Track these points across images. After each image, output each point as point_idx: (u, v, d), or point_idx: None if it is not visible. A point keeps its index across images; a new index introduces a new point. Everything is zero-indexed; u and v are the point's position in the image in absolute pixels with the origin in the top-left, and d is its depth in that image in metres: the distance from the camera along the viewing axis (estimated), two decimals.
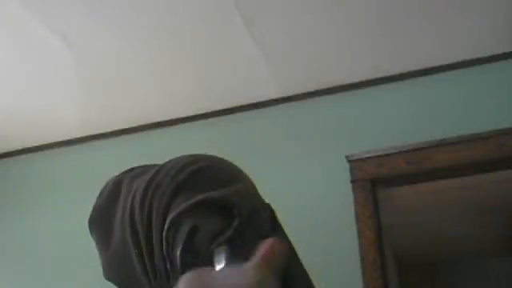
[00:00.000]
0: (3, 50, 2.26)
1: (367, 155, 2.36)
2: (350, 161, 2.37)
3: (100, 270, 0.76)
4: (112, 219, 0.76)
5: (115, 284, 0.76)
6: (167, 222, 0.68)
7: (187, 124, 2.74)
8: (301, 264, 0.75)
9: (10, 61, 2.33)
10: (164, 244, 0.68)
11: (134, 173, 0.80)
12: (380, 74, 2.48)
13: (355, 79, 2.51)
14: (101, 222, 0.77)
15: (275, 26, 2.18)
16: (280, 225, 0.75)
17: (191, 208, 0.69)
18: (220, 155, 0.81)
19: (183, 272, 0.66)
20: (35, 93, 2.54)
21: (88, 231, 0.79)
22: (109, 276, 0.76)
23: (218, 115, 2.70)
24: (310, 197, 2.41)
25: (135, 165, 0.84)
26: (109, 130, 2.83)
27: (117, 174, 0.83)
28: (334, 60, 2.40)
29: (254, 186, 0.78)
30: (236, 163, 0.81)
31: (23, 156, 2.98)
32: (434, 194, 3.78)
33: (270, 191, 0.91)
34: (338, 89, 2.54)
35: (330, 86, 2.55)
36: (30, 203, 2.87)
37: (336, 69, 2.45)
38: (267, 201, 0.76)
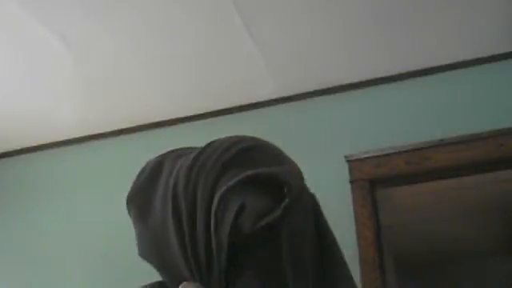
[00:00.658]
0: (2, 49, 2.25)
1: (366, 155, 2.35)
2: (348, 161, 2.37)
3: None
4: (152, 197, 0.74)
5: (148, 262, 0.74)
6: (216, 198, 0.66)
7: (186, 124, 2.73)
8: (345, 263, 0.75)
9: (8, 60, 2.33)
10: (213, 221, 0.66)
11: (176, 153, 0.78)
12: (380, 74, 2.48)
13: (355, 79, 2.51)
14: (140, 199, 0.75)
15: (274, 25, 2.18)
16: (324, 217, 0.74)
17: (240, 184, 0.67)
18: None
19: (230, 251, 0.64)
20: (34, 93, 2.53)
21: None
22: (143, 253, 0.74)
23: (216, 115, 2.69)
24: None
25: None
26: (108, 129, 2.82)
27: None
28: (334, 60, 2.40)
29: (300, 171, 0.75)
30: None
31: (22, 156, 2.97)
32: (434, 194, 3.77)
33: None
34: (338, 89, 2.54)
35: (330, 85, 2.54)
36: (29, 203, 2.86)
37: (335, 69, 2.45)
38: None
